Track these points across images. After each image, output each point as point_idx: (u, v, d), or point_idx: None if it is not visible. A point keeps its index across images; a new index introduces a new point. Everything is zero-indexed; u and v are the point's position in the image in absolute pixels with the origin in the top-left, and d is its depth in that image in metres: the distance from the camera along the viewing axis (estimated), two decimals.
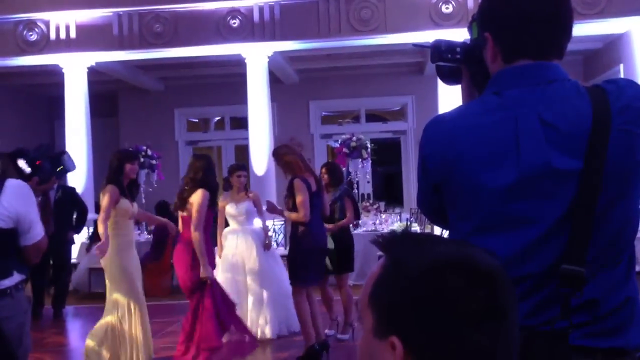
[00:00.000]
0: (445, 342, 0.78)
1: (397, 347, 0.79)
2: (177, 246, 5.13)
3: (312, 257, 5.29)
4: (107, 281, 5.05)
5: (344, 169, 10.57)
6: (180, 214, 5.07)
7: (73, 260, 9.68)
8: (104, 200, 4.85)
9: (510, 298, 0.82)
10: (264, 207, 5.99)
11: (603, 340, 1.32)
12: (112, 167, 4.97)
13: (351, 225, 6.65)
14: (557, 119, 1.33)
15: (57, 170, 3.87)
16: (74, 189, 8.53)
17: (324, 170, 6.29)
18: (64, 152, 4.03)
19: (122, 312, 4.94)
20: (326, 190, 6.01)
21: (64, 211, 7.79)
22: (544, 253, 1.32)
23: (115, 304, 4.96)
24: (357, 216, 6.77)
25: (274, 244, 9.44)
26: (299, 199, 5.12)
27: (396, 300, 0.80)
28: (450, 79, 1.63)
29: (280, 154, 5.44)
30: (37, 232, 2.94)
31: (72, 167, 3.85)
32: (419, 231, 8.59)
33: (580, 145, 1.30)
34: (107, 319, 5.00)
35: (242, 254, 6.28)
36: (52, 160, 3.76)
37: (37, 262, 3.05)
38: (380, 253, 0.90)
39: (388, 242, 0.88)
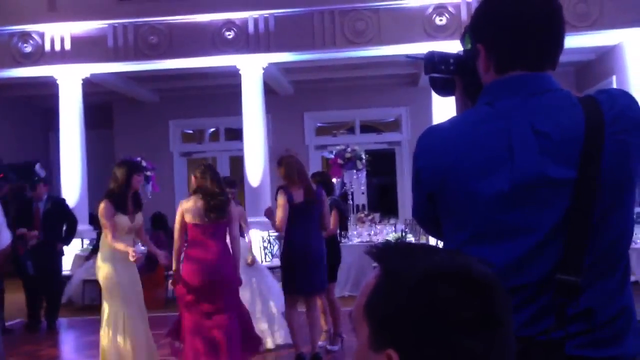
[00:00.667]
0: (442, 352, 0.77)
1: (394, 359, 0.78)
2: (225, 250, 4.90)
3: (297, 268, 5.33)
4: (102, 294, 4.98)
5: (338, 180, 10.59)
6: (198, 224, 4.84)
7: (66, 272, 9.64)
8: (101, 219, 4.81)
9: (505, 306, 0.81)
10: (260, 218, 5.98)
11: (599, 349, 1.32)
12: (117, 179, 4.86)
13: (339, 236, 6.67)
14: (550, 129, 1.33)
15: (35, 180, 3.86)
16: (63, 200, 8.46)
17: (312, 181, 6.27)
18: (34, 162, 4.06)
19: (117, 325, 4.85)
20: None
21: (53, 222, 7.72)
22: (540, 262, 1.32)
23: (110, 317, 4.88)
24: (344, 227, 6.75)
25: (268, 255, 9.45)
26: (277, 210, 5.34)
27: (391, 312, 0.80)
28: (443, 91, 1.63)
29: (281, 164, 5.53)
30: (4, 238, 2.90)
31: (42, 174, 3.83)
32: (413, 241, 8.58)
33: (573, 155, 1.31)
34: (103, 335, 4.92)
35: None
36: (20, 171, 3.78)
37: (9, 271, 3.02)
38: (375, 264, 0.90)
39: (382, 253, 0.87)
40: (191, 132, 14.91)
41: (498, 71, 1.43)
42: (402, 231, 9.82)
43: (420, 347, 0.78)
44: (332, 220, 6.14)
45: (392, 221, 11.28)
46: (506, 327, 0.81)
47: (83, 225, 9.66)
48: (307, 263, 5.35)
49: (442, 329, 0.77)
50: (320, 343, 6.13)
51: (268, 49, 10.45)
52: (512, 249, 1.33)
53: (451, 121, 1.47)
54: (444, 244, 1.49)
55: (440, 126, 1.48)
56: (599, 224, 1.31)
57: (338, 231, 6.60)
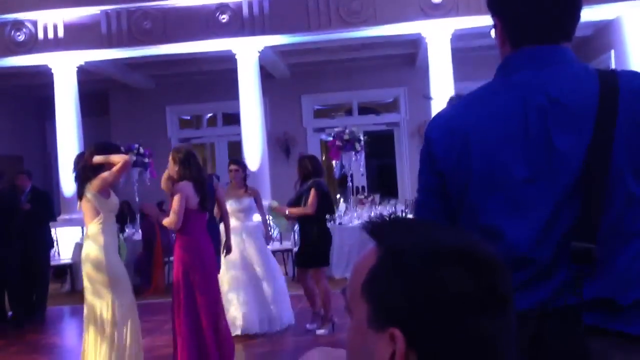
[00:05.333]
0: (448, 332, 0.76)
1: (398, 339, 0.76)
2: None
3: None
4: (93, 288, 4.64)
5: (337, 162, 10.56)
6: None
7: (67, 260, 9.67)
8: (101, 185, 4.57)
9: (509, 285, 0.80)
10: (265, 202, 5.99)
11: (617, 323, 1.29)
12: (88, 163, 4.66)
13: (330, 219, 6.59)
14: (564, 95, 1.33)
15: None
16: (46, 193, 8.42)
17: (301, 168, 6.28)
18: None
19: (107, 316, 4.61)
20: (299, 184, 6.16)
21: (35, 215, 7.62)
22: (555, 233, 1.30)
23: (100, 308, 4.63)
24: (331, 211, 6.61)
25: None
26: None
27: (396, 291, 0.78)
28: None
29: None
30: None
31: None
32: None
33: (587, 122, 1.30)
34: (91, 331, 4.67)
35: (242, 251, 6.29)
36: None
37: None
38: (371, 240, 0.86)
39: (380, 229, 0.84)
40: (188, 118, 14.86)
41: (513, 45, 1.43)
42: (402, 212, 9.82)
43: (427, 327, 0.76)
44: (310, 201, 5.97)
45: (392, 202, 11.28)
46: (510, 305, 0.80)
47: (81, 214, 9.62)
48: None
49: (450, 309, 0.76)
50: (308, 326, 6.22)
51: (263, 31, 10.37)
52: (528, 221, 1.32)
53: (468, 95, 1.46)
54: (462, 218, 1.44)
55: (454, 105, 1.48)
56: (610, 194, 1.29)
57: (327, 216, 6.47)
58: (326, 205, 6.19)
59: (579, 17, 1.43)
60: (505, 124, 1.35)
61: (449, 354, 0.76)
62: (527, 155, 1.32)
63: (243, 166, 6.61)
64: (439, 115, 1.48)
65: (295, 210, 6.05)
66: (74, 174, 4.81)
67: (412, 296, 0.77)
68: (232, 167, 6.45)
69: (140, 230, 9.63)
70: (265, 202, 6.83)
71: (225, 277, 6.06)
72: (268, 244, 6.45)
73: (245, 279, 6.25)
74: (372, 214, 9.65)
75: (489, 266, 0.79)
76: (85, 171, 4.69)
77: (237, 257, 6.21)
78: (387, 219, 0.87)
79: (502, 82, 1.41)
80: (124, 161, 4.62)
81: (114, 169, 4.58)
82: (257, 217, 6.60)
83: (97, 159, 4.66)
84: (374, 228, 0.85)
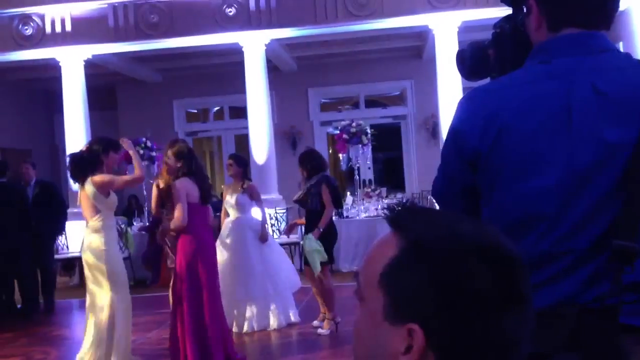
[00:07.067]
0: (470, 329, 0.75)
1: (417, 334, 0.75)
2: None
3: None
4: (93, 277, 4.72)
5: (344, 155, 10.54)
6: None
7: (75, 254, 9.72)
8: (106, 184, 4.63)
9: (528, 282, 0.79)
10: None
11: None
12: (95, 155, 4.75)
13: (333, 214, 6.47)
14: (611, 88, 1.28)
15: None
16: (53, 184, 8.45)
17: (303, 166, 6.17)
18: None
19: (113, 311, 4.69)
20: (303, 182, 6.06)
21: (42, 208, 7.63)
22: (592, 226, 1.27)
23: (106, 303, 4.69)
24: (338, 205, 6.46)
25: (275, 233, 9.47)
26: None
27: (418, 285, 0.76)
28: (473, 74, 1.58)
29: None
30: None
31: None
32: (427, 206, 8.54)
33: (635, 116, 1.26)
34: (96, 324, 4.72)
35: (231, 245, 6.27)
36: None
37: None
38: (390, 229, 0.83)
39: (400, 218, 0.82)
40: (195, 111, 14.87)
41: (551, 29, 1.37)
42: None
43: (449, 323, 0.75)
44: (325, 200, 5.88)
45: (399, 195, 11.28)
46: (529, 304, 0.79)
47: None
48: None
49: (474, 306, 0.75)
50: (315, 323, 6.13)
51: (270, 24, 10.35)
52: (567, 212, 1.28)
53: (499, 82, 1.39)
54: (484, 207, 1.40)
55: (487, 87, 1.41)
56: None
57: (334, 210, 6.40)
58: (335, 200, 6.10)
59: (618, 3, 1.38)
60: (545, 112, 1.29)
61: (468, 351, 0.75)
62: (569, 147, 1.27)
63: (239, 161, 6.40)
64: (468, 102, 1.39)
65: (324, 222, 5.87)
66: (70, 169, 4.83)
67: (435, 291, 0.75)
68: (228, 161, 6.45)
69: (148, 223, 9.65)
70: (265, 196, 6.75)
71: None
72: (263, 241, 6.32)
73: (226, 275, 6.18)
74: (379, 207, 9.63)
75: (512, 263, 0.77)
76: (88, 161, 4.76)
77: (223, 250, 6.20)
78: (407, 207, 0.84)
79: (541, 69, 1.34)
80: (135, 177, 4.71)
81: (125, 178, 4.70)
82: (256, 211, 6.56)
83: (126, 145, 4.81)
84: (394, 216, 0.83)
